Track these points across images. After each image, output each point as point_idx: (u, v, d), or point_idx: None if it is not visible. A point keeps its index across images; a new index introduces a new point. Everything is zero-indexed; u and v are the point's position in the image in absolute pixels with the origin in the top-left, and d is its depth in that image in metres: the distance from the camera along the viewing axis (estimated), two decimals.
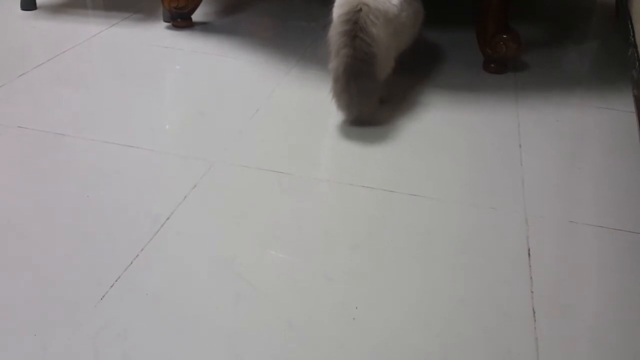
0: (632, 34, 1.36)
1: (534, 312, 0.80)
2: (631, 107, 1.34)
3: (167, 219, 0.92)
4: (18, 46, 1.46)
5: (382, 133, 1.19)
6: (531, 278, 0.86)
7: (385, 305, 0.80)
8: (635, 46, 1.29)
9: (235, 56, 1.48)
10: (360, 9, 1.15)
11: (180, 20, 1.61)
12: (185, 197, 0.97)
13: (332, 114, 1.22)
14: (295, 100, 1.25)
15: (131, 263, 0.83)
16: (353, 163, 1.10)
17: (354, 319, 0.77)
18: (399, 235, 0.92)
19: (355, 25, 1.14)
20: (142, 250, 0.86)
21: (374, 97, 1.21)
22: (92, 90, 1.29)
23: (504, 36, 1.42)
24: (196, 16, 1.65)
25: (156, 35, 1.57)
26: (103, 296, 0.78)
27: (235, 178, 1.03)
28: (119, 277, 0.81)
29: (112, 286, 0.79)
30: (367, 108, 1.20)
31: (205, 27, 1.64)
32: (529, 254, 0.90)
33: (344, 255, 0.88)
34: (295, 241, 0.90)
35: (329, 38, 1.19)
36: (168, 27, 1.62)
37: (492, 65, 1.47)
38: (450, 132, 1.22)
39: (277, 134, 1.17)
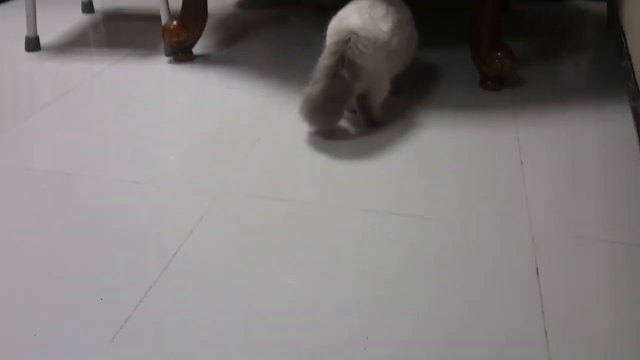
0: (625, 45, 1.37)
1: (546, 333, 0.80)
2: (629, 117, 1.34)
3: (175, 253, 0.93)
4: (24, 87, 1.49)
5: (383, 155, 1.21)
6: (541, 297, 0.86)
7: (395, 332, 0.80)
8: (630, 57, 1.30)
9: (235, 86, 1.51)
10: (349, 39, 1.19)
11: (181, 54, 1.64)
12: (192, 230, 0.99)
13: (333, 139, 1.24)
14: (296, 127, 1.27)
15: (140, 301, 0.84)
16: (357, 187, 1.11)
17: (365, 349, 0.78)
18: (406, 259, 0.93)
19: (341, 60, 1.19)
20: (150, 287, 0.87)
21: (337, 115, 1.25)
22: (97, 127, 1.31)
23: (499, 53, 1.43)
24: (196, 49, 1.68)
25: (158, 69, 1.60)
26: (114, 337, 0.78)
27: (240, 208, 1.05)
28: (129, 317, 0.81)
29: (122, 327, 0.80)
30: (328, 121, 1.26)
31: (205, 59, 1.66)
32: (538, 273, 0.90)
33: (352, 282, 0.88)
34: (302, 270, 0.91)
35: (319, 59, 1.23)
36: (170, 61, 1.65)
37: (489, 82, 1.48)
38: (451, 151, 1.23)
39: (279, 161, 1.19)
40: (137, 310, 0.83)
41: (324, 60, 1.21)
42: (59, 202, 1.06)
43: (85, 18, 2.00)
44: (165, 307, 0.83)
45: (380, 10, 1.26)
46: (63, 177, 1.13)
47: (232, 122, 1.34)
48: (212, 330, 0.80)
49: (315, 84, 1.20)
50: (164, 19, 1.67)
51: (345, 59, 1.18)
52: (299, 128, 1.27)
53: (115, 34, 1.87)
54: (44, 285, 0.87)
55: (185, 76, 1.56)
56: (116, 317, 0.81)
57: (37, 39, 1.71)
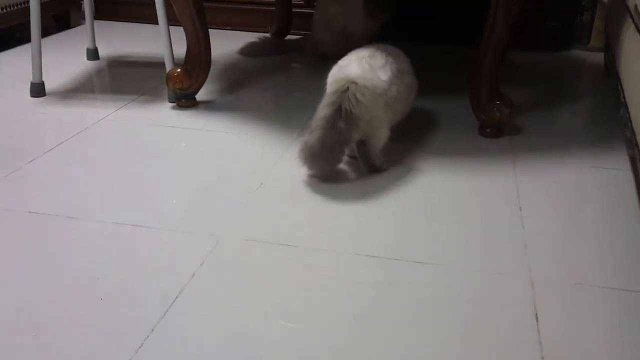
0: (622, 94, 1.40)
1: None
2: (626, 165, 1.36)
3: (176, 297, 0.93)
4: (28, 132, 1.52)
5: (383, 201, 1.22)
6: (540, 343, 0.86)
7: None
8: (627, 106, 1.33)
9: (238, 131, 1.53)
10: (347, 88, 1.22)
11: (185, 100, 1.68)
12: (194, 274, 0.99)
13: (335, 184, 1.25)
14: (297, 172, 1.29)
15: (141, 345, 0.84)
16: (357, 232, 1.12)
17: None
18: (405, 303, 0.93)
19: (338, 110, 1.21)
20: (151, 331, 0.86)
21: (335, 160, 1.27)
22: (100, 172, 1.33)
23: (497, 102, 1.46)
24: (200, 95, 1.71)
25: (162, 115, 1.63)
26: None
27: (242, 253, 1.05)
28: (132, 353, 0.81)
29: None
30: (325, 168, 1.28)
31: (208, 106, 1.70)
32: (537, 319, 0.90)
33: (351, 326, 0.88)
34: (303, 314, 0.91)
35: (317, 111, 1.25)
36: (173, 108, 1.68)
37: (488, 130, 1.51)
38: (450, 197, 1.24)
39: (281, 206, 1.20)
40: (138, 354, 0.82)
41: (322, 110, 1.24)
42: (60, 245, 1.06)
43: (90, 64, 2.04)
44: (165, 353, 0.83)
45: (380, 60, 1.29)
46: (65, 220, 1.14)
47: (235, 167, 1.35)
48: None
49: (312, 133, 1.23)
50: (168, 66, 1.70)
51: (343, 109, 1.21)
52: (300, 173, 1.29)
53: (120, 80, 1.90)
54: (44, 329, 0.86)
55: (189, 122, 1.59)
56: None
57: (42, 84, 1.75)
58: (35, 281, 0.97)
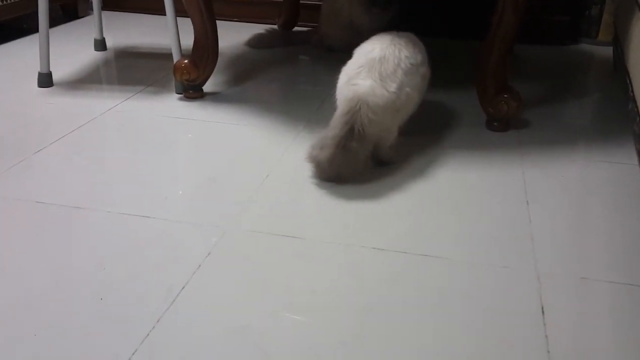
0: (630, 88, 1.39)
1: None
2: (634, 160, 1.36)
3: (182, 288, 0.94)
4: (35, 122, 1.52)
5: (390, 194, 1.22)
6: (546, 336, 0.86)
7: None
8: (635, 100, 1.32)
9: (245, 123, 1.53)
10: (359, 108, 1.20)
11: (192, 91, 1.68)
12: (200, 265, 0.99)
13: (341, 180, 1.25)
14: (304, 165, 1.28)
15: (147, 335, 0.84)
16: (364, 225, 1.12)
17: None
18: (412, 297, 0.93)
19: (350, 132, 1.19)
20: (157, 321, 0.87)
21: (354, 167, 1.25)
22: (107, 162, 1.33)
23: (505, 95, 1.46)
24: (207, 87, 1.71)
25: (169, 106, 1.63)
26: None
27: (248, 244, 1.05)
28: (136, 350, 0.81)
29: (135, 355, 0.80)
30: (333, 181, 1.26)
31: (215, 97, 1.70)
32: (543, 312, 0.90)
33: (358, 318, 0.88)
34: (308, 306, 0.91)
35: (329, 127, 1.24)
36: (180, 99, 1.68)
37: (495, 123, 1.50)
38: (457, 191, 1.24)
39: (287, 198, 1.20)
40: (144, 344, 0.82)
41: (334, 129, 1.21)
42: (67, 235, 1.07)
43: (98, 55, 2.05)
44: (171, 343, 0.83)
45: (392, 62, 1.24)
46: (72, 210, 1.14)
47: (241, 159, 1.36)
48: None
49: (322, 149, 1.22)
50: (176, 57, 1.70)
51: (356, 130, 1.19)
52: (307, 166, 1.28)
53: (127, 71, 1.91)
54: (50, 318, 0.87)
55: (196, 113, 1.59)
56: (123, 350, 0.81)
57: (49, 75, 1.75)
58: (41, 270, 0.97)
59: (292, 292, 0.94)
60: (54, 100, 1.65)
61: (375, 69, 1.23)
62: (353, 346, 0.83)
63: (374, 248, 1.05)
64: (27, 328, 0.85)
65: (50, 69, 1.75)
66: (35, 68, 1.74)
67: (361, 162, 1.25)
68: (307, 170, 1.28)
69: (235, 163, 1.34)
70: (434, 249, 1.05)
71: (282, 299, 0.92)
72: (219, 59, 1.69)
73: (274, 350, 0.82)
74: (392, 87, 1.22)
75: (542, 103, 1.70)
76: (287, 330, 0.86)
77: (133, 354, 0.81)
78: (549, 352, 0.83)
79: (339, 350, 0.83)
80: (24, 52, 2.05)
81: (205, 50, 1.63)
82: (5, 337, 0.83)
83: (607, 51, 2.11)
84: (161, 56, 2.04)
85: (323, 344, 0.84)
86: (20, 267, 0.98)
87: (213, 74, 1.70)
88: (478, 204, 1.19)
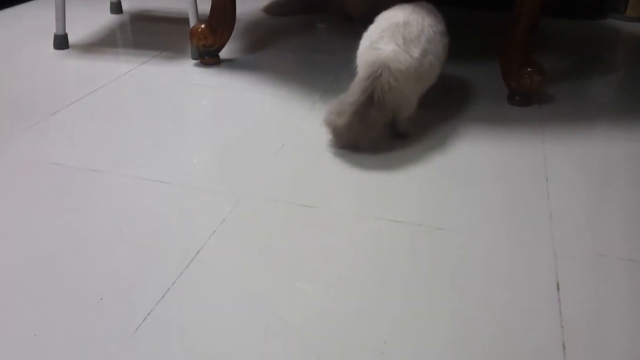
0: None
1: (564, 347, 0.79)
2: None
3: (197, 253, 0.94)
4: (52, 84, 1.51)
5: (407, 166, 1.20)
6: (561, 313, 0.85)
7: (413, 340, 0.80)
8: None
9: (261, 91, 1.51)
10: (380, 74, 1.17)
11: (208, 57, 1.66)
12: (215, 231, 0.99)
13: (357, 148, 1.24)
14: (320, 134, 1.27)
15: (162, 297, 0.84)
16: (380, 196, 1.11)
17: (382, 352, 0.77)
18: (426, 270, 0.92)
19: (370, 98, 1.17)
20: (173, 284, 0.87)
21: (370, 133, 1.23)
22: (123, 126, 1.33)
23: (529, 69, 1.43)
24: (223, 53, 1.69)
25: (185, 72, 1.62)
26: (136, 329, 0.79)
27: (263, 212, 1.05)
28: (151, 311, 0.82)
29: (144, 319, 0.80)
30: (350, 147, 1.24)
31: (232, 64, 1.68)
32: (558, 288, 0.89)
33: (372, 288, 0.88)
34: (322, 274, 0.90)
35: (348, 92, 1.21)
36: (196, 65, 1.66)
37: (517, 98, 1.47)
38: (476, 165, 1.22)
39: (303, 167, 1.19)
40: (159, 306, 0.83)
41: (353, 95, 1.19)
42: (84, 197, 1.07)
43: (114, 18, 2.03)
44: (186, 305, 0.83)
45: (415, 27, 1.22)
46: (89, 173, 1.14)
47: (257, 127, 1.34)
48: (231, 330, 0.80)
49: (340, 116, 1.19)
50: (192, 22, 1.68)
51: (375, 97, 1.16)
52: (323, 136, 1.27)
53: (143, 35, 1.89)
54: (67, 279, 0.87)
55: (212, 79, 1.57)
56: (138, 311, 0.82)
57: (65, 37, 1.74)
58: (59, 231, 0.98)
59: (306, 261, 0.93)
60: (70, 63, 1.65)
61: (399, 33, 1.20)
62: (366, 316, 0.83)
63: (389, 220, 1.04)
64: (45, 286, 0.86)
65: (66, 31, 1.74)
66: (51, 30, 1.73)
67: (379, 130, 1.23)
68: (323, 140, 1.27)
69: (251, 131, 1.33)
70: (450, 222, 1.03)
71: (296, 267, 0.92)
72: (236, 25, 1.66)
73: (287, 316, 0.82)
74: (416, 52, 1.20)
75: (566, 78, 1.67)
76: (300, 297, 0.86)
77: (148, 314, 0.81)
78: (562, 327, 0.82)
79: (351, 320, 0.82)
80: (40, 14, 2.04)
81: (222, 16, 1.60)
82: (22, 298, 0.84)
83: (635, 27, 2.05)
84: (177, 21, 2.02)
85: (335, 312, 0.83)
86: (37, 227, 0.99)
87: (230, 40, 1.67)
88: (496, 178, 1.17)
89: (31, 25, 1.94)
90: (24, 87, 1.49)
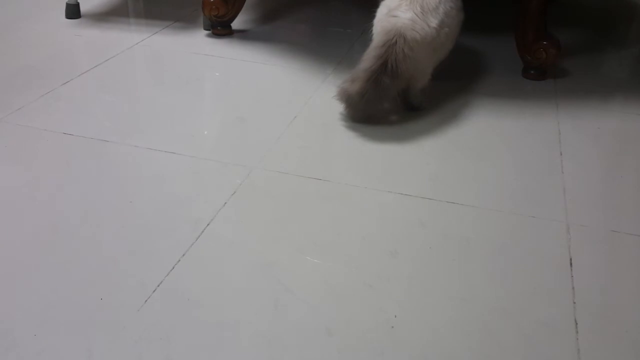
0: None
1: (576, 323, 0.79)
2: None
3: (208, 224, 0.94)
4: (63, 54, 1.51)
5: (419, 139, 1.19)
6: (573, 288, 0.84)
7: (423, 313, 0.80)
8: None
9: (273, 63, 1.50)
10: (396, 42, 1.15)
11: (220, 28, 1.64)
12: (225, 203, 0.99)
13: (370, 122, 1.23)
14: (332, 107, 1.26)
15: (173, 268, 0.85)
16: (391, 170, 1.10)
17: (392, 327, 0.77)
18: (438, 243, 0.92)
19: (384, 65, 1.16)
20: (183, 255, 0.87)
21: (379, 104, 1.23)
22: (134, 97, 1.32)
23: (544, 42, 1.40)
24: (235, 24, 1.67)
25: (196, 43, 1.60)
26: (146, 300, 0.80)
27: (274, 184, 1.05)
28: (162, 282, 0.82)
29: (154, 290, 0.81)
30: (362, 116, 1.23)
31: (244, 35, 1.66)
32: (571, 264, 0.89)
33: (383, 262, 0.88)
34: (333, 247, 0.91)
35: (363, 57, 1.20)
36: (208, 35, 1.65)
37: (532, 71, 1.45)
38: (490, 139, 1.21)
39: (314, 140, 1.18)
40: (170, 276, 0.83)
41: (367, 61, 1.18)
42: (95, 167, 1.07)
43: None
44: (196, 276, 0.84)
45: None
46: (99, 143, 1.14)
47: (268, 99, 1.34)
48: (241, 301, 0.80)
49: (353, 82, 1.19)
50: None
51: (389, 64, 1.15)
52: (335, 109, 1.26)
53: (155, 5, 1.87)
54: (78, 248, 0.88)
55: (223, 51, 1.56)
56: (149, 281, 0.82)
57: (77, 6, 1.73)
58: (70, 201, 0.98)
59: (317, 233, 0.93)
60: (81, 32, 1.64)
61: (418, 2, 1.19)
62: (376, 288, 0.83)
63: (400, 193, 1.03)
64: (56, 256, 0.87)
65: (78, 0, 1.73)
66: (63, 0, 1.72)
67: (391, 99, 1.22)
68: (335, 112, 1.26)
69: (263, 103, 1.32)
70: (462, 196, 1.03)
71: (306, 239, 0.92)
72: None
73: (297, 287, 0.83)
74: (434, 22, 1.18)
75: (582, 52, 1.64)
76: (310, 270, 0.86)
77: (158, 285, 0.82)
78: (574, 302, 0.82)
79: (361, 291, 0.83)
80: None
81: None
82: (33, 268, 0.85)
83: None
84: None
85: (346, 285, 0.84)
86: (49, 197, 0.99)
87: (242, 11, 1.66)
88: (509, 152, 1.16)
89: None
90: (36, 56, 1.48)
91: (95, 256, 0.87)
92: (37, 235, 0.90)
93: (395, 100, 1.24)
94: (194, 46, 1.58)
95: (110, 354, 0.72)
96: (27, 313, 0.77)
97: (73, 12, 1.72)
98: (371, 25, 1.25)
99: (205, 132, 1.20)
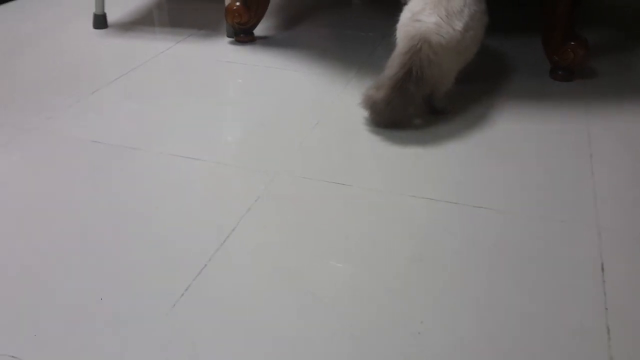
0: None
1: (609, 330, 0.77)
2: None
3: (233, 230, 0.94)
4: (91, 63, 1.53)
5: (444, 143, 1.18)
6: (605, 294, 0.82)
7: (451, 319, 0.78)
8: None
9: (295, 69, 1.50)
10: (420, 47, 1.14)
11: (243, 35, 1.65)
12: (249, 208, 0.99)
13: (393, 125, 1.22)
14: (355, 112, 1.26)
15: (199, 273, 0.85)
16: (416, 174, 1.09)
17: (419, 333, 0.76)
18: (464, 248, 0.91)
19: (409, 72, 1.14)
20: (209, 260, 0.88)
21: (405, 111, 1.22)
22: (160, 105, 1.34)
23: (572, 43, 1.38)
24: (258, 31, 1.68)
25: (220, 50, 1.62)
26: (174, 305, 0.80)
27: (297, 190, 1.04)
28: (189, 287, 0.83)
29: (182, 295, 0.81)
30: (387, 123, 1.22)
31: (266, 41, 1.67)
32: (603, 269, 0.87)
33: (408, 267, 0.87)
34: (357, 252, 0.90)
35: (388, 64, 1.19)
36: (231, 42, 1.66)
37: (560, 72, 1.43)
38: (517, 142, 1.19)
39: (338, 145, 1.18)
40: (196, 281, 0.84)
41: (392, 68, 1.17)
42: (123, 174, 1.08)
43: None
44: (222, 281, 0.84)
45: (458, 1, 1.18)
46: (126, 150, 1.15)
47: (291, 105, 1.34)
48: (266, 306, 0.80)
49: (378, 90, 1.18)
50: (227, 0, 1.67)
51: (414, 72, 1.14)
52: (358, 113, 1.25)
53: (179, 14, 1.89)
54: (106, 254, 0.89)
55: (246, 57, 1.57)
56: (176, 286, 0.83)
57: (104, 16, 1.75)
58: (98, 207, 0.99)
59: (341, 238, 0.93)
60: (108, 42, 1.66)
61: (442, 5, 1.17)
62: (400, 294, 0.82)
63: (425, 198, 1.02)
64: (84, 262, 0.87)
65: (105, 11, 1.75)
66: (91, 9, 1.74)
67: (416, 106, 1.21)
68: (358, 117, 1.26)
69: (285, 109, 1.32)
70: (489, 200, 1.01)
71: (330, 244, 0.91)
72: (271, 2, 1.65)
73: (322, 292, 0.82)
74: (459, 26, 1.17)
75: (611, 52, 1.60)
76: (335, 275, 0.85)
77: (186, 289, 0.82)
78: (606, 308, 0.80)
79: (386, 297, 0.82)
80: None
81: None
82: (63, 269, 0.86)
83: None
84: None
85: (370, 290, 0.83)
86: (76, 202, 1.00)
87: (264, 17, 1.66)
88: (538, 156, 1.14)
89: (71, 5, 1.96)
90: (65, 65, 1.51)
91: (123, 261, 0.87)
92: (66, 241, 0.91)
93: (419, 105, 1.23)
94: (218, 53, 1.59)
95: (140, 358, 0.72)
96: (56, 318, 0.78)
97: (100, 22, 1.75)
98: (394, 30, 1.24)
99: (229, 138, 1.21)
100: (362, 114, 1.25)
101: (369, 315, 0.79)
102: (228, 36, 1.69)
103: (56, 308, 0.79)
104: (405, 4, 1.25)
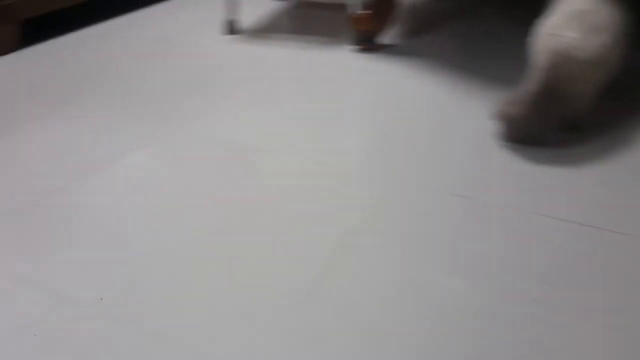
0: None
1: None
2: None
3: (350, 236, 0.93)
4: (223, 67, 1.59)
5: (583, 162, 1.10)
6: None
7: (586, 346, 0.72)
8: None
9: (422, 78, 1.47)
10: (560, 63, 1.08)
11: (369, 43, 1.65)
12: (368, 217, 0.97)
13: (527, 141, 1.16)
14: (480, 125, 1.20)
15: (321, 273, 0.85)
16: (549, 193, 1.02)
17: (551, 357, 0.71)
18: (596, 276, 0.83)
19: (547, 90, 1.09)
20: (332, 262, 0.87)
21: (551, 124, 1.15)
22: (283, 109, 1.36)
23: None
24: (384, 39, 1.67)
25: (344, 57, 1.62)
26: (298, 302, 0.80)
27: (418, 200, 1.01)
28: (310, 291, 0.82)
29: (309, 294, 0.81)
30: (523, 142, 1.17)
31: (391, 50, 1.65)
32: None
33: (537, 289, 0.81)
34: (481, 269, 0.85)
35: (525, 79, 1.13)
36: (355, 50, 1.66)
37: None
38: None
39: (461, 157, 1.13)
40: (316, 280, 0.83)
41: (529, 84, 1.12)
42: (250, 173, 1.11)
43: (278, 5, 2.09)
44: (343, 284, 0.83)
45: (599, 15, 1.11)
46: (252, 150, 1.18)
47: (413, 115, 1.31)
48: (390, 314, 0.78)
49: (515, 106, 1.13)
50: (354, 8, 1.68)
51: (553, 88, 1.09)
52: (488, 127, 1.20)
53: (305, 21, 1.93)
54: (234, 248, 0.91)
55: (371, 65, 1.56)
56: (299, 285, 0.83)
57: (235, 22, 1.82)
58: (226, 203, 1.02)
59: (464, 253, 0.89)
60: (238, 47, 1.72)
61: (583, 19, 1.10)
62: (528, 316, 0.77)
63: (557, 218, 0.95)
64: (212, 254, 0.90)
65: (235, 17, 1.82)
66: (215, 18, 1.82)
67: (554, 123, 1.14)
68: (487, 130, 1.20)
69: (407, 118, 1.29)
70: (628, 225, 0.92)
71: (452, 259, 0.87)
72: (396, 11, 1.63)
73: (442, 308, 0.78)
74: (599, 40, 1.09)
75: None
76: (456, 290, 0.81)
77: (309, 286, 0.82)
78: None
79: (512, 317, 0.77)
80: (201, 3, 2.16)
81: (384, 1, 1.58)
82: (196, 259, 0.89)
83: None
84: (340, 7, 2.03)
85: (496, 310, 0.78)
86: (207, 197, 1.04)
87: (390, 26, 1.65)
88: None
89: (202, 11, 2.06)
90: (198, 70, 1.58)
91: (248, 259, 0.89)
92: (198, 234, 0.95)
93: (557, 121, 1.15)
94: (342, 61, 1.60)
95: (269, 355, 0.73)
96: (187, 314, 0.80)
97: (231, 28, 1.82)
98: (528, 42, 1.18)
99: (351, 146, 1.20)
100: (490, 127, 1.19)
101: (495, 337, 0.74)
102: (353, 44, 1.70)
103: (187, 303, 0.82)
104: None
